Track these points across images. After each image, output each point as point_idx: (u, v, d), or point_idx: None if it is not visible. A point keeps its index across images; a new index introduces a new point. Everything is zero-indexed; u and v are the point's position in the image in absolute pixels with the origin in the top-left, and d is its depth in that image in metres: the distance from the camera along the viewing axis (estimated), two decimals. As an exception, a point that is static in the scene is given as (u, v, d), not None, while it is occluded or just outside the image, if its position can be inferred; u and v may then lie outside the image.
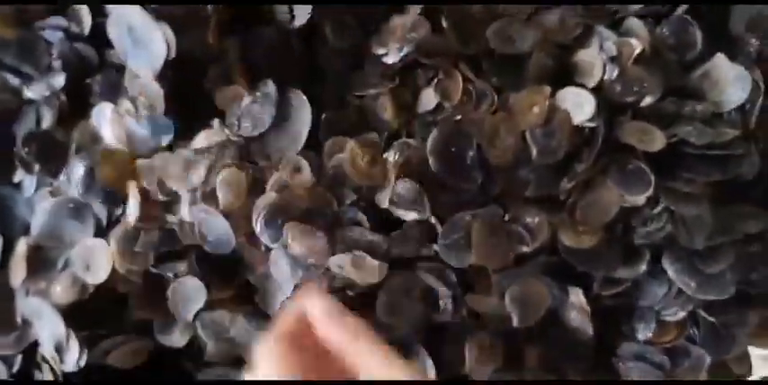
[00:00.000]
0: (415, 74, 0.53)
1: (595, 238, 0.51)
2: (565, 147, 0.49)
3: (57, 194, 0.54)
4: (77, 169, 0.53)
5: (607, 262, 0.52)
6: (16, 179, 0.56)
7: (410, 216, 0.50)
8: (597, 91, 0.50)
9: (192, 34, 0.52)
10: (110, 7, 0.53)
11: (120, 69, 0.54)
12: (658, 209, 0.51)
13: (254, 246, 0.51)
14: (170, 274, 0.53)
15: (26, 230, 0.55)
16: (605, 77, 0.50)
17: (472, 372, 0.52)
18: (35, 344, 0.55)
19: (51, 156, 0.54)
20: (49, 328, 0.53)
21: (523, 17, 0.52)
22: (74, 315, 0.53)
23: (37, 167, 0.54)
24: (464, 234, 0.50)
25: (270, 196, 0.50)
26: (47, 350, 0.54)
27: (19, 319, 0.55)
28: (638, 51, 0.50)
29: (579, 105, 0.49)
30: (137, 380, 0.56)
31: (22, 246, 0.54)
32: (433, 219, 0.50)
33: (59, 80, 0.54)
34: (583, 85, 0.50)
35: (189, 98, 0.53)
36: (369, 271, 0.49)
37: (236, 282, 0.53)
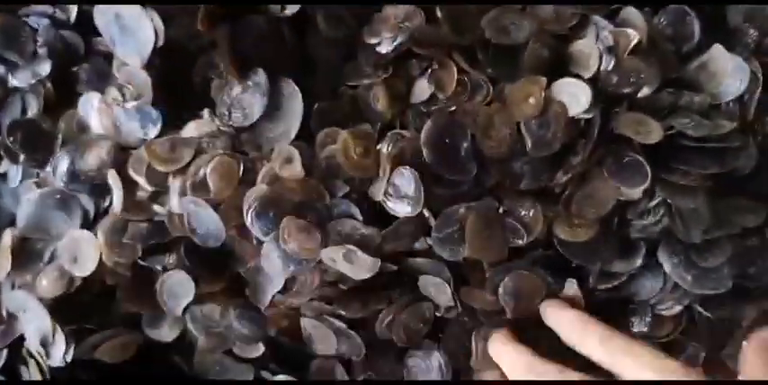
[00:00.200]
0: (409, 64, 0.52)
1: (591, 232, 0.50)
2: (560, 138, 0.48)
3: (43, 185, 0.54)
4: (64, 159, 0.52)
5: (603, 255, 0.51)
6: (1, 169, 0.56)
7: (403, 209, 0.49)
8: (593, 82, 0.49)
9: (181, 22, 0.51)
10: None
11: (108, 57, 0.53)
12: (654, 202, 0.50)
13: (245, 238, 0.50)
14: (159, 267, 0.52)
15: (11, 222, 0.54)
16: (601, 68, 0.49)
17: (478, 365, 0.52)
18: (21, 339, 0.54)
19: (37, 146, 0.53)
20: (34, 322, 0.53)
21: (518, 7, 0.51)
22: (60, 308, 0.52)
23: (22, 157, 0.53)
24: (458, 227, 0.49)
25: (261, 188, 0.49)
26: (33, 345, 0.53)
27: (4, 313, 0.54)
28: (634, 42, 0.49)
29: (575, 96, 0.48)
30: (125, 375, 0.55)
31: (7, 238, 0.53)
32: (426, 213, 0.49)
33: (45, 68, 0.53)
34: (579, 76, 0.49)
35: (178, 87, 0.53)
36: (361, 265, 0.49)
37: (227, 275, 0.52)
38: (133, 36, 0.51)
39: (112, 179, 0.51)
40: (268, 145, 0.51)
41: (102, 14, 0.52)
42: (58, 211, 0.53)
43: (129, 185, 0.51)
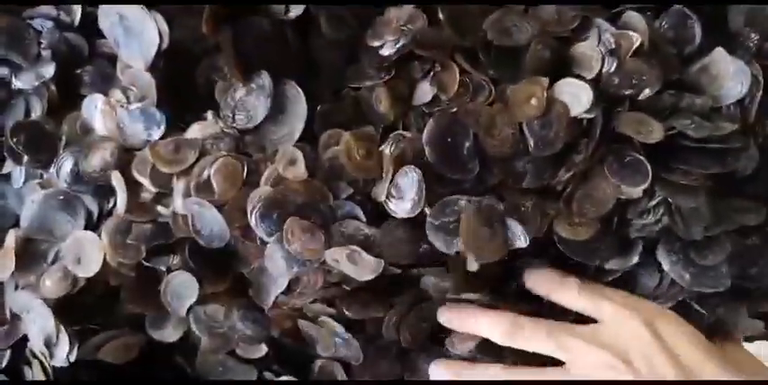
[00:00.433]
0: (411, 66, 0.52)
1: (591, 230, 0.50)
2: (563, 138, 0.48)
3: (47, 186, 0.53)
4: (67, 161, 0.52)
5: (602, 254, 0.52)
6: (5, 170, 0.55)
7: (404, 210, 0.49)
8: (595, 83, 0.49)
9: (185, 24, 0.51)
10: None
11: (112, 59, 0.53)
12: (654, 201, 0.50)
13: (249, 239, 0.50)
14: (163, 268, 0.52)
15: (15, 223, 0.54)
16: (603, 70, 0.49)
17: None
18: (24, 340, 0.54)
19: (41, 148, 0.53)
20: (38, 323, 0.53)
21: (521, 8, 0.52)
22: (64, 309, 0.52)
23: (26, 159, 0.53)
24: (455, 219, 0.49)
25: (265, 189, 0.49)
26: (36, 345, 0.53)
27: (8, 314, 0.54)
28: (636, 45, 0.49)
29: (576, 96, 0.48)
30: (128, 376, 0.55)
31: (11, 239, 0.53)
32: (427, 209, 0.49)
33: (49, 70, 0.53)
34: (581, 77, 0.49)
35: (182, 89, 0.53)
36: (365, 266, 0.49)
37: (230, 275, 0.53)
38: (137, 38, 0.51)
39: (116, 180, 0.51)
40: (272, 146, 0.51)
41: (106, 17, 0.52)
42: (61, 212, 0.53)
43: (133, 186, 0.51)
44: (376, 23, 0.52)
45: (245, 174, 0.50)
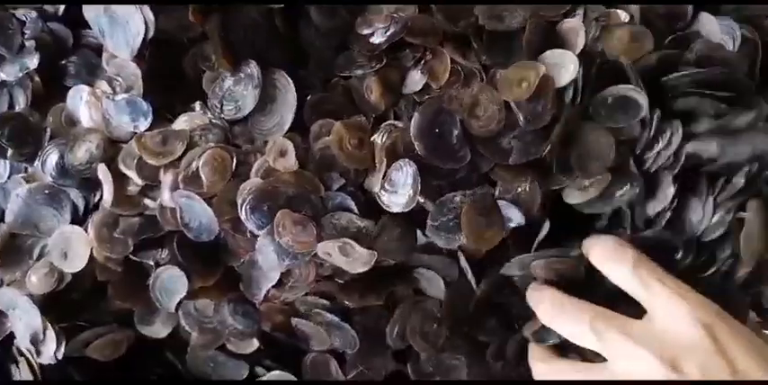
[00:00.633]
0: (402, 54, 0.52)
1: (604, 183, 0.48)
2: (551, 110, 0.47)
3: (31, 180, 0.53)
4: (52, 154, 0.51)
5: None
6: (-12, 164, 0.55)
7: (398, 203, 0.48)
8: (582, 55, 0.48)
9: (171, 13, 0.50)
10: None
11: (97, 50, 0.52)
12: (654, 124, 0.48)
13: (239, 232, 0.49)
14: (151, 262, 0.51)
15: (0, 218, 0.53)
16: (588, 36, 0.49)
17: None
18: (11, 337, 0.53)
19: (25, 140, 0.52)
20: (24, 320, 0.52)
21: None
22: (51, 305, 0.52)
23: (10, 152, 0.52)
24: (454, 216, 0.48)
25: (255, 181, 0.49)
26: (23, 342, 0.52)
27: (-7, 311, 0.53)
28: (626, 21, 0.50)
29: (563, 67, 0.48)
30: (117, 373, 0.54)
31: (-5, 235, 0.52)
32: (421, 199, 0.48)
33: (33, 61, 0.52)
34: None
35: (169, 79, 0.52)
36: (357, 259, 0.48)
37: (220, 269, 0.52)
38: (123, 28, 0.50)
39: (102, 173, 0.50)
40: (261, 137, 0.51)
41: (90, 6, 0.51)
42: (47, 207, 0.52)
43: (120, 179, 0.50)
44: (366, 11, 0.52)
45: (234, 165, 0.49)
